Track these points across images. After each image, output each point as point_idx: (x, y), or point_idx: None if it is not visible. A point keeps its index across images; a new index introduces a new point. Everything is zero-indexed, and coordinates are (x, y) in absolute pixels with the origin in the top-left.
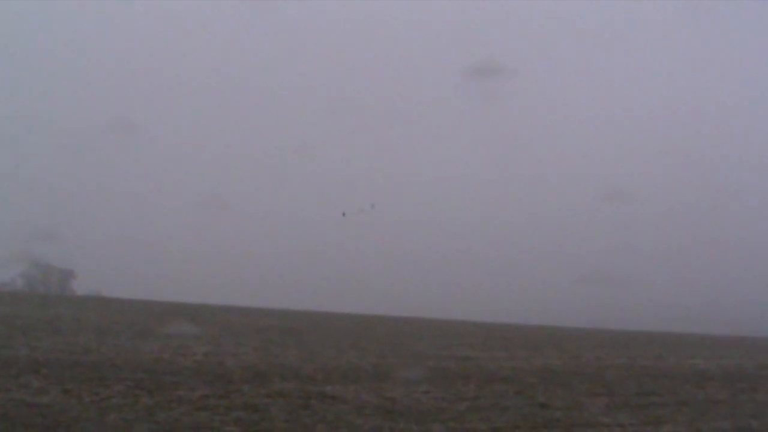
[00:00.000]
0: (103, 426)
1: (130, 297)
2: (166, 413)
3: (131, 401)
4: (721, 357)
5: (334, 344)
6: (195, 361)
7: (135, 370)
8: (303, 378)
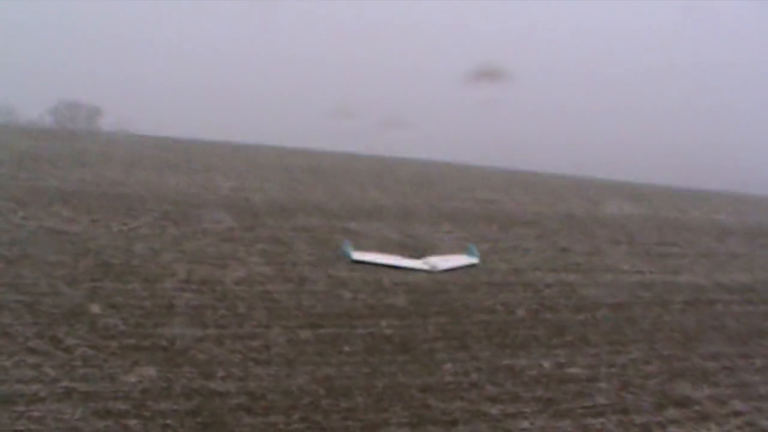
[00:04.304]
0: (131, 254)
1: (156, 134)
2: (192, 243)
3: (158, 231)
4: (745, 213)
5: (358, 184)
6: (221, 195)
7: (161, 202)
8: (327, 214)
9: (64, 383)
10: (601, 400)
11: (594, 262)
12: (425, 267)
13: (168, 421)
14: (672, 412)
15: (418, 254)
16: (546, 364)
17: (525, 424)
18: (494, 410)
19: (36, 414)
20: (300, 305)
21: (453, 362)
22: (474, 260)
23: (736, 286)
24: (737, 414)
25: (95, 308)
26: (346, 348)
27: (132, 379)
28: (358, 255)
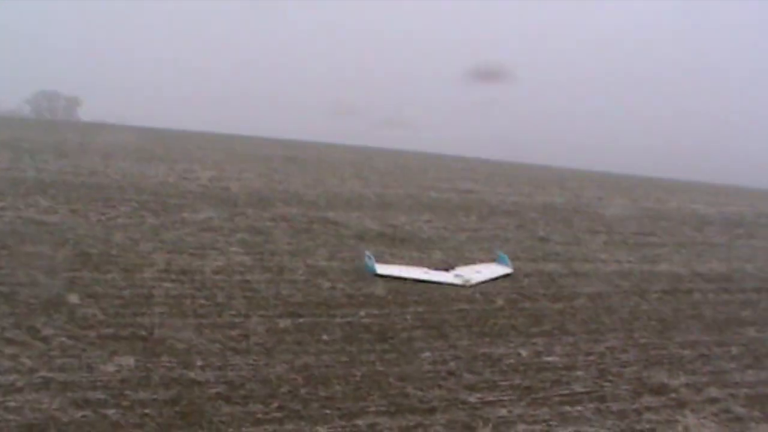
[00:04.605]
0: (109, 244)
1: (135, 124)
2: (171, 233)
3: (137, 221)
4: (722, 204)
5: (337, 173)
6: (200, 185)
7: (140, 192)
8: (306, 203)
9: (42, 373)
10: (578, 388)
11: (572, 252)
12: (457, 281)
13: (146, 411)
14: (648, 400)
15: (446, 266)
16: (524, 353)
17: (503, 412)
18: (472, 398)
19: (13, 404)
20: (279, 294)
21: (431, 351)
22: (507, 270)
23: (714, 275)
24: (713, 401)
25: (73, 298)
26: (325, 337)
27: (110, 368)
28: (382, 269)
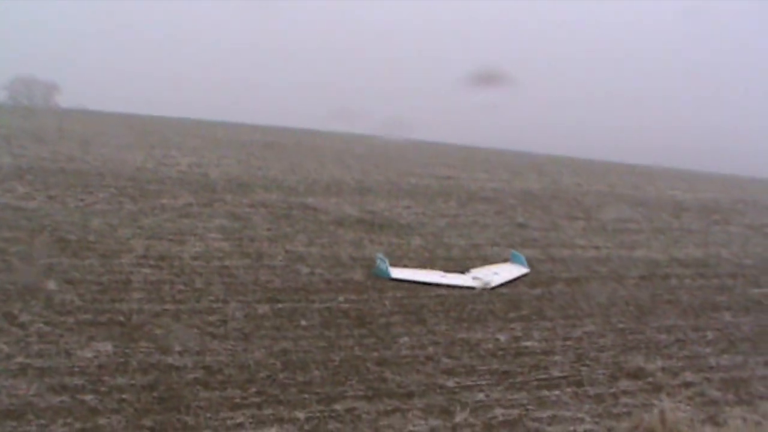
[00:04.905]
0: (88, 230)
1: (114, 111)
2: (150, 219)
3: (115, 207)
4: (699, 190)
5: (317, 159)
6: (178, 171)
7: (119, 179)
8: (285, 189)
9: (19, 359)
10: (555, 372)
11: (551, 238)
12: (476, 285)
13: (124, 396)
14: (625, 384)
15: (461, 268)
16: (502, 338)
17: (480, 396)
18: (450, 383)
19: None
20: (257, 280)
21: (409, 336)
22: (524, 270)
23: (690, 260)
24: (688, 385)
25: (51, 284)
26: (303, 322)
27: (88, 354)
28: (396, 272)
